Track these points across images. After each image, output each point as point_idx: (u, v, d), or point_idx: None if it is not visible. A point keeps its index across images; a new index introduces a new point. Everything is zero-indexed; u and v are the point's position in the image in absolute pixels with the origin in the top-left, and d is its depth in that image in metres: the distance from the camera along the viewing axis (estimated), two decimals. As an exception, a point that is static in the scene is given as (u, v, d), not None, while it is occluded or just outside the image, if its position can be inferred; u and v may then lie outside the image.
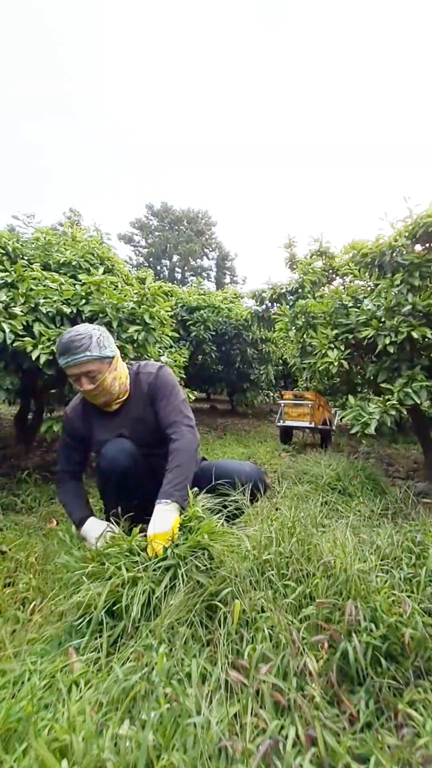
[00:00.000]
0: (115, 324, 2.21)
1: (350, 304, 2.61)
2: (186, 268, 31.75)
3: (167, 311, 2.48)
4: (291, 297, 4.49)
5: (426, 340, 2.14)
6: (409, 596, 1.04)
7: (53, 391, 2.55)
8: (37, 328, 1.99)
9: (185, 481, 1.28)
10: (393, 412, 2.02)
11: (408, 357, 2.34)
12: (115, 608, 1.01)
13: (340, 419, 3.40)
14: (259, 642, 0.90)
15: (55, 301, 2.13)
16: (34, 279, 2.24)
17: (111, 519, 1.37)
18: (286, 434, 4.27)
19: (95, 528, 1.35)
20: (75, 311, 2.18)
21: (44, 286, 2.21)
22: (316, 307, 2.82)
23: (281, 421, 4.06)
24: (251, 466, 1.56)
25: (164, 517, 1.18)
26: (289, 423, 4.00)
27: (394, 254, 2.51)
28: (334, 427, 4.17)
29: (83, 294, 2.23)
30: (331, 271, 4.44)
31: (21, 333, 1.91)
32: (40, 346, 1.90)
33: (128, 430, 1.46)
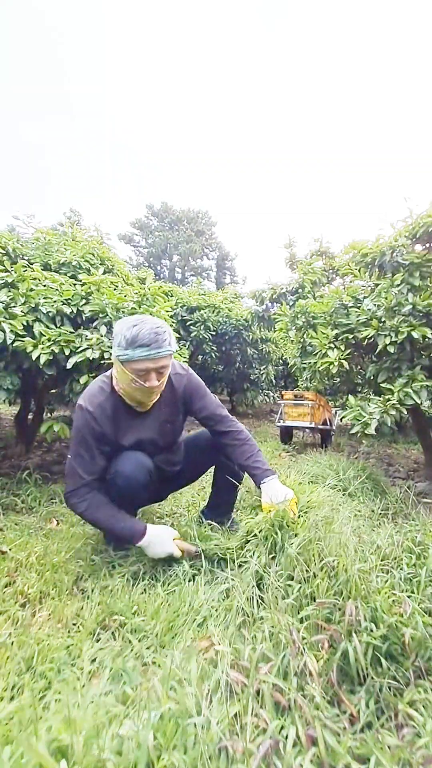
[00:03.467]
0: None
1: (350, 304, 2.60)
2: (186, 268, 31.74)
3: (167, 311, 2.48)
4: (291, 297, 4.50)
5: (426, 340, 2.14)
6: (409, 596, 1.04)
7: (53, 391, 2.55)
8: (37, 328, 1.99)
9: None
10: (393, 412, 2.02)
11: (408, 357, 2.33)
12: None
13: (341, 419, 3.39)
14: (259, 642, 0.90)
15: (55, 301, 2.13)
16: (35, 279, 2.24)
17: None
18: (287, 434, 4.27)
19: (163, 534, 1.32)
20: (75, 311, 2.18)
21: (44, 286, 2.21)
22: (316, 307, 2.81)
23: (281, 421, 4.06)
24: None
25: (283, 487, 1.37)
26: (289, 423, 3.99)
27: (395, 254, 2.51)
28: (334, 427, 4.17)
29: (83, 294, 2.23)
30: (331, 271, 4.45)
31: (21, 333, 1.91)
32: (41, 346, 1.90)
33: (156, 431, 1.45)
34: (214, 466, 1.69)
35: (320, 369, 2.46)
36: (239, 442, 1.49)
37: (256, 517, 1.30)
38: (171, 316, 2.84)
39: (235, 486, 1.61)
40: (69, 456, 1.34)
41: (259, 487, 1.41)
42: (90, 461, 1.33)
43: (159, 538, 1.31)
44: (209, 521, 1.54)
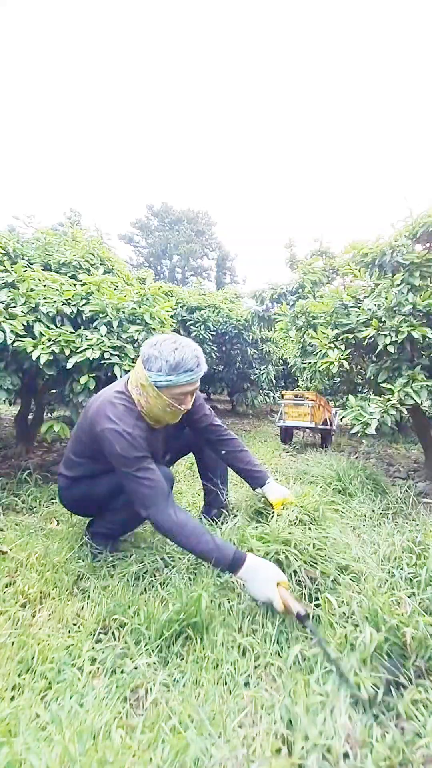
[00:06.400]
0: (115, 324, 2.21)
1: (350, 304, 2.60)
2: (186, 268, 31.74)
3: (167, 311, 2.48)
4: (291, 297, 4.50)
5: (426, 339, 2.13)
6: (410, 596, 1.04)
7: (53, 391, 2.55)
8: (37, 328, 1.99)
9: None
10: (393, 412, 2.02)
11: (408, 357, 2.33)
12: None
13: (341, 419, 3.38)
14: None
15: (55, 302, 2.13)
16: (35, 279, 2.24)
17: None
18: (287, 434, 4.27)
19: (267, 572, 1.09)
20: (75, 311, 2.18)
21: (44, 286, 2.21)
22: (316, 307, 2.81)
23: (281, 420, 4.05)
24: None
25: (281, 486, 1.51)
26: (289, 423, 3.99)
27: (395, 254, 2.51)
28: (334, 427, 4.16)
29: (83, 294, 2.23)
30: (331, 270, 4.45)
31: (21, 333, 1.91)
32: (41, 347, 1.90)
33: (165, 445, 1.53)
34: (197, 462, 1.78)
35: (320, 369, 2.46)
36: (237, 449, 1.58)
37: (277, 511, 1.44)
38: (171, 316, 2.84)
39: (221, 474, 1.73)
40: (128, 482, 1.22)
41: (263, 488, 1.53)
42: (150, 474, 1.22)
43: (263, 574, 1.08)
44: (212, 516, 1.65)
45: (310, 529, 1.33)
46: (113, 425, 1.23)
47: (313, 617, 1.08)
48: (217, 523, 1.58)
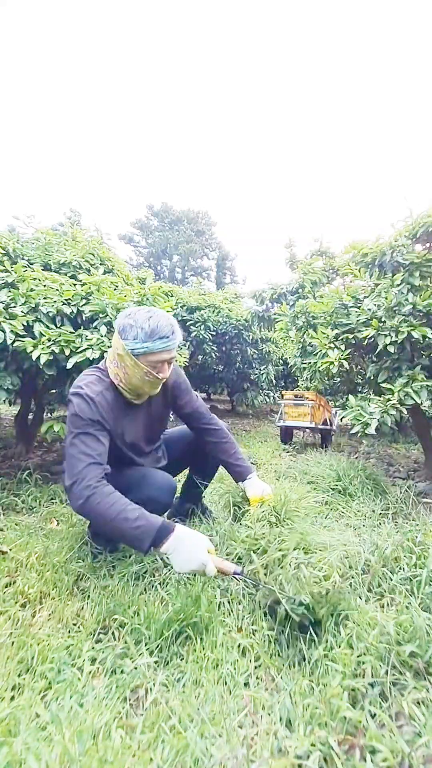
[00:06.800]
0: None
1: (350, 304, 2.60)
2: (186, 268, 31.74)
3: (167, 311, 2.47)
4: (291, 297, 4.50)
5: (426, 339, 2.14)
6: (410, 596, 1.04)
7: (53, 391, 2.55)
8: (37, 328, 1.99)
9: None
10: (393, 412, 2.02)
11: (408, 357, 2.33)
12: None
13: (341, 419, 3.38)
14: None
15: (55, 302, 2.13)
16: (35, 279, 2.24)
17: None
18: (287, 434, 4.27)
19: (196, 539, 1.09)
20: (75, 311, 2.18)
21: (44, 286, 2.21)
22: (316, 307, 2.81)
23: (281, 420, 4.05)
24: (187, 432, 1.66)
25: (262, 483, 1.51)
26: (289, 423, 3.99)
27: (395, 254, 2.51)
28: (334, 427, 4.16)
29: (83, 294, 2.23)
30: (331, 270, 4.45)
31: (21, 333, 1.91)
32: (41, 347, 1.90)
33: (145, 427, 1.45)
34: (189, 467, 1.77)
35: (320, 369, 2.46)
36: (222, 440, 1.55)
37: (252, 508, 1.48)
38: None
39: (210, 470, 1.74)
40: (65, 447, 1.20)
41: (243, 482, 1.54)
42: (93, 442, 1.19)
43: (190, 542, 1.08)
44: (185, 510, 1.71)
45: (276, 526, 1.35)
46: (77, 389, 1.25)
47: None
48: (186, 520, 1.65)
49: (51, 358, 1.91)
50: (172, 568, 1.17)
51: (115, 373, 1.31)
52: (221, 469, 1.68)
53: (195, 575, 1.15)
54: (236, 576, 1.09)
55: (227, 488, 1.76)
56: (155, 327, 1.24)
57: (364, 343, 2.39)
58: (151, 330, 1.24)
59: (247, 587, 1.18)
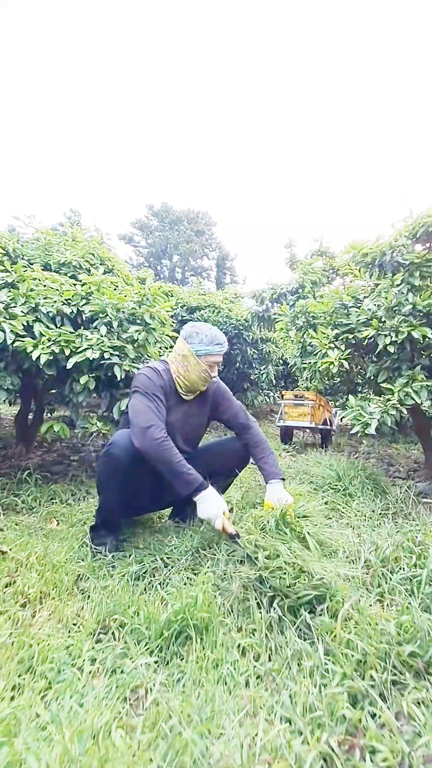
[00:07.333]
0: (115, 324, 2.21)
1: (350, 304, 2.60)
2: (186, 268, 31.74)
3: (167, 311, 2.48)
4: (291, 297, 4.50)
5: (426, 339, 2.13)
6: (409, 596, 1.04)
7: (53, 391, 2.55)
8: (37, 328, 1.99)
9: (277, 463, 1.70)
10: (393, 412, 2.02)
11: (408, 357, 2.33)
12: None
13: (341, 419, 3.39)
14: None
15: (55, 302, 2.13)
16: (35, 279, 2.24)
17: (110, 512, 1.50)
18: (287, 434, 4.27)
19: (219, 500, 1.39)
20: (75, 311, 2.18)
21: (44, 286, 2.21)
22: (316, 307, 2.81)
23: (281, 420, 4.05)
24: (233, 443, 1.79)
25: (282, 491, 1.58)
26: (289, 423, 3.99)
27: (395, 254, 2.51)
28: (334, 427, 4.16)
29: (83, 294, 2.23)
30: (331, 270, 4.45)
31: (21, 333, 1.91)
32: (41, 347, 1.90)
33: (183, 422, 1.65)
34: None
35: (320, 369, 2.46)
36: (254, 444, 1.73)
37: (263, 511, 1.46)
38: (171, 316, 2.84)
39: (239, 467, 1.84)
40: (131, 407, 1.51)
41: (267, 485, 1.64)
42: (159, 405, 1.50)
43: (215, 499, 1.39)
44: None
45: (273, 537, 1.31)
46: (148, 365, 1.60)
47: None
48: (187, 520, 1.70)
49: (51, 358, 1.91)
50: (193, 522, 1.61)
51: (176, 370, 1.61)
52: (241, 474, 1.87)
53: (203, 522, 1.46)
54: (231, 538, 1.32)
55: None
56: (214, 336, 1.59)
57: (364, 343, 2.39)
58: (212, 337, 1.59)
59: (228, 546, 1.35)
